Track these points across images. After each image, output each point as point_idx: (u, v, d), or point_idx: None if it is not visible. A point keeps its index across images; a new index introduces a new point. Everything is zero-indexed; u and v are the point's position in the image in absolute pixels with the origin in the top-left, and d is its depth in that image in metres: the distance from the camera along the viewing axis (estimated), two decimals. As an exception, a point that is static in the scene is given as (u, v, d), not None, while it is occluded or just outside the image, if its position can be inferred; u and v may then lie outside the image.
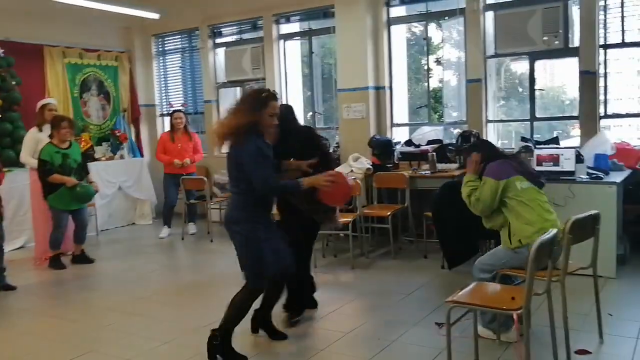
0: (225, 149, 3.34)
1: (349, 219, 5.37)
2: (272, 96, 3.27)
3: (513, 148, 5.83)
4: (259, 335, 3.72)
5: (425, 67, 6.97)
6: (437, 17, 6.73)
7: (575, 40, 5.77)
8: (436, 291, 4.62)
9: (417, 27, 7.31)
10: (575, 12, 5.78)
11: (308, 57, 7.66)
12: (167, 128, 8.17)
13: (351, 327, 3.90)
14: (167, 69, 8.91)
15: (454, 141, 6.19)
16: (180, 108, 7.68)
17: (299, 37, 7.68)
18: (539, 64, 6.18)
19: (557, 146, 5.48)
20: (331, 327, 3.96)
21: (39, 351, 3.73)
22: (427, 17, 6.68)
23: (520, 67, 6.72)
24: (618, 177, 4.81)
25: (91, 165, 6.41)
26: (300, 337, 3.78)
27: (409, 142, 6.56)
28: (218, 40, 8.22)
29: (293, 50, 7.77)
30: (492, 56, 6.26)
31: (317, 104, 7.67)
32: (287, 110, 3.97)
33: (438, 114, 7.48)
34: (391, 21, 6.83)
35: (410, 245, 6.03)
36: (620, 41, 5.62)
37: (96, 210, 7.17)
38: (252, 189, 3.18)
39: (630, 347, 3.33)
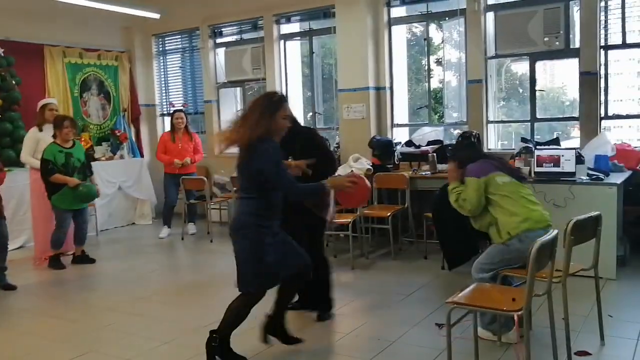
0: (230, 150, 3.29)
1: (349, 220, 5.37)
2: (284, 98, 3.27)
3: (513, 149, 5.84)
4: (259, 335, 3.71)
5: (426, 68, 6.97)
6: (438, 17, 6.73)
7: (576, 41, 5.77)
8: (436, 292, 4.62)
9: (418, 28, 7.33)
10: (576, 13, 5.78)
11: (308, 58, 7.65)
12: (167, 128, 8.17)
13: (351, 328, 3.90)
14: (168, 69, 8.91)
15: (454, 142, 6.19)
16: (181, 108, 7.68)
17: (299, 37, 7.68)
18: (540, 65, 6.18)
19: (558, 147, 5.47)
20: (331, 327, 3.96)
21: (39, 351, 3.73)
22: (427, 18, 6.67)
23: (521, 67, 6.72)
24: (618, 178, 4.81)
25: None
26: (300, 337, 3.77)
27: (409, 143, 6.57)
28: (218, 40, 8.22)
29: (293, 51, 7.77)
30: (493, 57, 6.26)
31: (318, 104, 7.67)
32: None
33: (438, 114, 7.48)
34: (392, 21, 6.83)
35: (410, 246, 6.03)
36: (621, 42, 5.62)
37: (96, 210, 7.17)
38: (264, 194, 3.13)
39: (630, 349, 3.33)
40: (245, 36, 8.02)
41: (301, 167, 3.60)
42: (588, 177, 4.78)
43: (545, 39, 5.78)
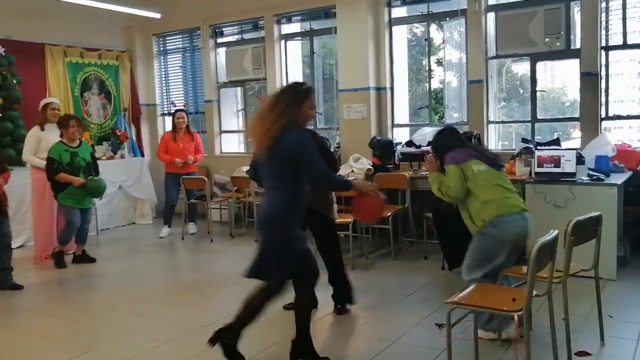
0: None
1: (349, 220, 5.37)
2: (312, 89, 3.28)
3: (514, 149, 5.83)
4: (258, 336, 3.70)
5: (427, 68, 6.98)
6: (439, 18, 6.73)
7: (577, 42, 5.78)
8: (436, 292, 4.62)
9: (419, 28, 7.32)
10: (576, 14, 5.78)
11: (309, 58, 7.65)
12: (168, 128, 8.18)
13: (351, 328, 3.89)
14: (168, 69, 8.91)
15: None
16: (183, 108, 7.68)
17: (300, 38, 7.68)
18: (540, 66, 6.18)
19: (558, 148, 5.47)
20: (331, 327, 3.96)
21: (39, 351, 3.73)
22: (428, 18, 6.68)
23: (522, 68, 6.72)
24: (619, 178, 4.81)
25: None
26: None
27: (409, 143, 6.56)
28: (219, 40, 8.22)
29: (294, 51, 7.78)
30: (494, 57, 6.26)
31: (318, 105, 7.67)
32: None
33: (439, 114, 7.48)
34: (392, 22, 6.83)
35: (410, 246, 6.03)
36: (622, 43, 5.62)
37: (96, 210, 7.15)
38: (293, 185, 3.09)
39: (630, 350, 3.33)
40: (246, 36, 8.03)
41: None
42: (588, 178, 4.78)
43: (546, 39, 5.78)
